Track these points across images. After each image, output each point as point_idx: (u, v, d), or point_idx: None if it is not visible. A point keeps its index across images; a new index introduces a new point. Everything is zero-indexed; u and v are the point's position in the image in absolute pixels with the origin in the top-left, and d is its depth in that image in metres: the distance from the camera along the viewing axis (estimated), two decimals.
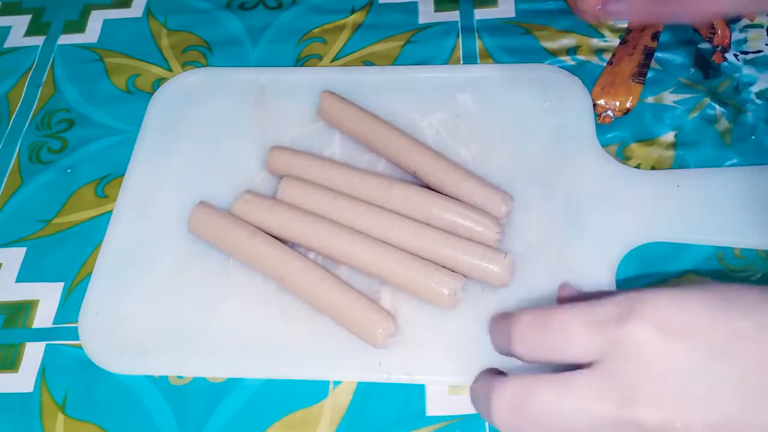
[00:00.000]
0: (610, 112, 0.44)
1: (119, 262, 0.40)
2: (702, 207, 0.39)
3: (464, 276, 0.37)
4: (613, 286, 0.37)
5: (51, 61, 0.51)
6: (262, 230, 0.39)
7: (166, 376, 0.37)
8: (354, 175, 0.40)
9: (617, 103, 0.44)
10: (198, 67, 0.49)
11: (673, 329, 0.25)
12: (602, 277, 0.37)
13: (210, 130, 0.45)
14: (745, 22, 0.48)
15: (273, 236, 0.38)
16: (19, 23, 0.54)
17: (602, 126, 0.44)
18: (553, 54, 0.47)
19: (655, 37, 0.46)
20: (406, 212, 0.38)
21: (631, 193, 0.40)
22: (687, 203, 0.40)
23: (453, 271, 0.37)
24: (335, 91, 0.44)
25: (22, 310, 0.40)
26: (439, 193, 0.39)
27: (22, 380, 0.37)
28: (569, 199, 0.40)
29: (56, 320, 0.39)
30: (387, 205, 0.39)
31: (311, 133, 0.44)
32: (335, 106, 0.43)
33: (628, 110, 0.44)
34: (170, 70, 0.50)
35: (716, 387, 0.25)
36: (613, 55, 0.46)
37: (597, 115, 0.44)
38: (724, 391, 0.25)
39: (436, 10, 0.51)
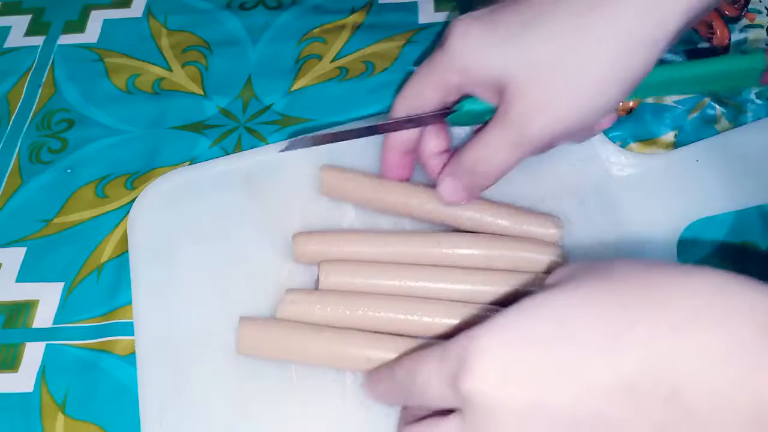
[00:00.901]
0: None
1: (164, 411, 0.35)
2: (730, 172, 0.40)
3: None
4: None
5: (51, 61, 0.51)
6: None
7: None
8: (396, 241, 0.37)
9: (620, 102, 0.44)
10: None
11: (512, 372, 0.24)
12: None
13: (209, 233, 0.40)
14: (745, 22, 0.48)
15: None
16: (19, 23, 0.54)
17: None
18: None
19: None
20: (465, 263, 0.36)
21: (659, 177, 0.40)
22: (718, 172, 0.40)
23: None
24: (322, 159, 0.41)
25: (22, 310, 0.40)
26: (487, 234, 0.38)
27: (22, 380, 0.37)
28: (603, 201, 0.40)
29: (56, 320, 0.39)
30: (441, 261, 0.36)
31: (318, 208, 0.41)
32: (339, 180, 0.40)
33: (631, 109, 0.44)
34: (170, 70, 0.50)
35: (558, 427, 0.23)
36: None
37: None
38: (569, 427, 0.23)
39: (436, 10, 0.51)
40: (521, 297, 0.26)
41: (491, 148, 0.34)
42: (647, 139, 0.43)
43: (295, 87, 0.48)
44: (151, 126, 0.47)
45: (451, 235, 0.37)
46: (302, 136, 0.37)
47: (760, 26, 0.48)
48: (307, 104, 0.47)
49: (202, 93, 0.48)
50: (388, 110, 0.43)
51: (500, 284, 0.35)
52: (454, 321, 0.34)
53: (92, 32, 0.53)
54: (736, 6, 0.47)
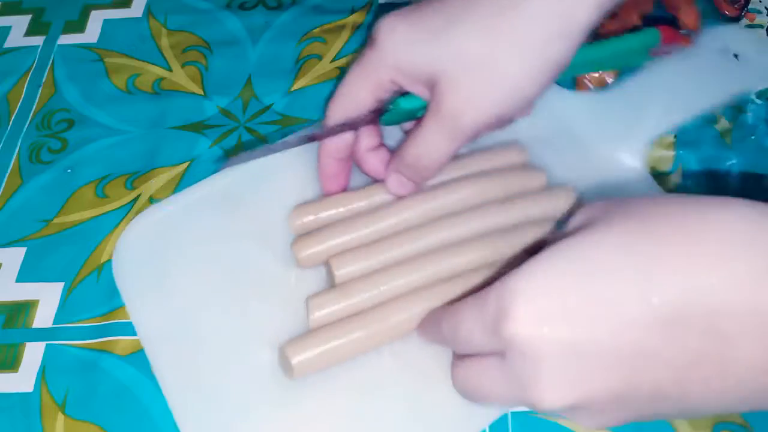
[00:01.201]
0: (587, 81, 0.45)
1: None
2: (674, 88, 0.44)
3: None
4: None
5: (51, 61, 0.51)
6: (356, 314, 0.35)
7: None
8: (393, 212, 0.38)
9: (596, 75, 0.45)
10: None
11: (548, 314, 0.25)
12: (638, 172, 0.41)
13: (205, 260, 0.39)
14: (745, 21, 0.48)
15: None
16: (19, 23, 0.54)
17: None
18: None
19: (642, 16, 0.46)
20: (463, 206, 0.38)
21: (615, 106, 0.43)
22: (665, 90, 0.44)
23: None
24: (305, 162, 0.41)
25: (22, 310, 0.40)
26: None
27: (22, 380, 0.37)
28: (574, 142, 0.42)
29: (56, 320, 0.39)
30: (443, 213, 0.37)
31: None
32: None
33: (605, 83, 0.45)
34: (170, 70, 0.50)
35: (599, 362, 0.24)
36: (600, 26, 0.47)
37: (576, 84, 0.45)
38: (609, 365, 0.24)
39: None
40: (546, 242, 0.27)
41: (429, 144, 0.35)
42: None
43: (295, 87, 0.48)
44: (151, 126, 0.47)
45: (444, 186, 0.38)
46: (240, 154, 0.37)
47: (761, 26, 0.48)
48: (307, 104, 0.47)
49: (202, 93, 0.48)
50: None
51: (509, 216, 0.37)
52: (482, 254, 0.35)
53: (92, 32, 0.53)
54: (736, 6, 0.47)
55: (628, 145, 0.42)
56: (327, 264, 0.37)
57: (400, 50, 0.34)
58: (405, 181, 0.38)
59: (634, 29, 0.45)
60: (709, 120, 0.44)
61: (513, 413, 0.34)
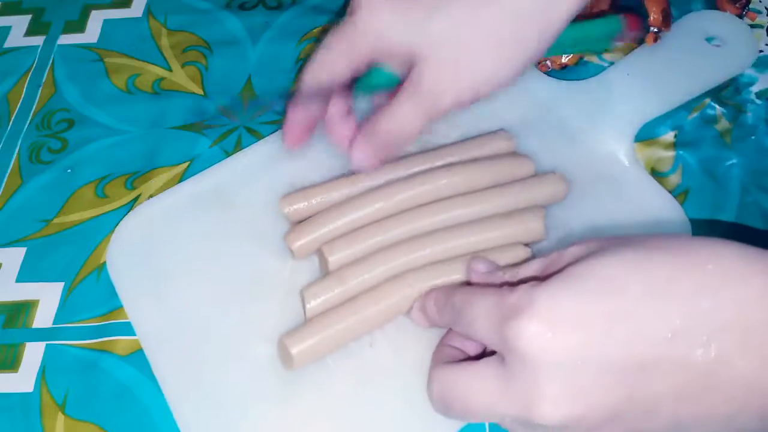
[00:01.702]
0: (548, 62, 0.46)
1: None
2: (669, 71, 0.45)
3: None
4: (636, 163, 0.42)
5: (51, 61, 0.51)
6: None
7: None
8: (380, 196, 0.38)
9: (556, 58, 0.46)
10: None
11: (558, 324, 0.25)
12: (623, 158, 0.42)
13: (200, 257, 0.39)
14: (746, 21, 0.48)
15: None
16: (19, 23, 0.54)
17: None
18: None
19: (613, 5, 0.46)
20: (448, 192, 0.38)
21: (598, 95, 0.44)
22: (647, 79, 0.45)
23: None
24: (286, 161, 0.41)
25: (22, 310, 0.40)
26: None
27: (22, 380, 0.37)
28: (558, 129, 0.43)
29: (56, 320, 0.39)
30: (427, 199, 0.38)
31: None
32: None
33: (564, 66, 0.46)
34: (170, 70, 0.50)
35: (604, 375, 0.25)
36: None
37: (537, 63, 0.46)
38: (613, 379, 0.25)
39: None
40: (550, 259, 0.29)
41: (405, 119, 0.36)
42: (647, 139, 0.43)
43: (295, 87, 0.48)
44: (151, 126, 0.47)
45: (433, 172, 0.39)
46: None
47: (761, 26, 0.48)
48: None
49: (202, 93, 0.48)
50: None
51: (498, 202, 0.38)
52: (475, 238, 0.36)
53: (92, 32, 0.53)
54: (737, 5, 0.47)
55: (615, 132, 0.43)
56: (319, 252, 0.37)
57: (383, 26, 0.34)
58: (371, 155, 0.38)
59: (600, 15, 0.46)
60: (709, 120, 0.44)
61: None
